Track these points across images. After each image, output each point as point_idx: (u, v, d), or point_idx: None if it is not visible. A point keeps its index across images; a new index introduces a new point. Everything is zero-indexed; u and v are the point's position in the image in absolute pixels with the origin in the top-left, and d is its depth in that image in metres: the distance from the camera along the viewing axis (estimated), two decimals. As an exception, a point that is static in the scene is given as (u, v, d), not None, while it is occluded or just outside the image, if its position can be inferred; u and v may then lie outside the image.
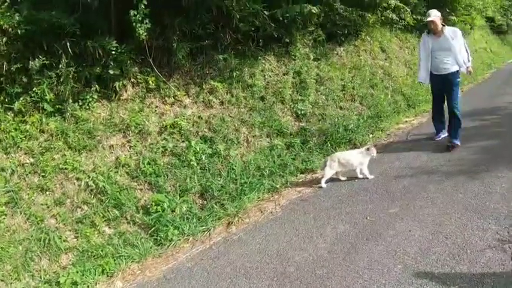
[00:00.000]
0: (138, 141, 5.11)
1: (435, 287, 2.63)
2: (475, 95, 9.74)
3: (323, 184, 4.67)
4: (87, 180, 4.53)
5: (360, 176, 4.73)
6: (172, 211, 4.57)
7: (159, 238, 4.16)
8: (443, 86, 5.49)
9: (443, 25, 5.31)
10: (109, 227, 4.40)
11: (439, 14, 5.25)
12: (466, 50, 5.36)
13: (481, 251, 2.94)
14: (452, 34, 5.28)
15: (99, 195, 4.50)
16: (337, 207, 4.09)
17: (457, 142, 5.36)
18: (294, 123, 6.29)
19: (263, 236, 3.85)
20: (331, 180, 4.77)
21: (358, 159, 4.60)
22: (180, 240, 4.15)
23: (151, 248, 4.07)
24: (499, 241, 3.02)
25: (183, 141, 5.31)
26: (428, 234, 3.27)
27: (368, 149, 4.60)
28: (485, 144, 5.42)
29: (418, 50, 6.19)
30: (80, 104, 4.97)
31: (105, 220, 4.36)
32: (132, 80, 5.51)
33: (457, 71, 5.34)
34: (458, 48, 5.22)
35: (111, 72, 5.07)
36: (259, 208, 4.52)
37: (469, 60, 5.37)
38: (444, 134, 5.88)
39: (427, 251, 3.05)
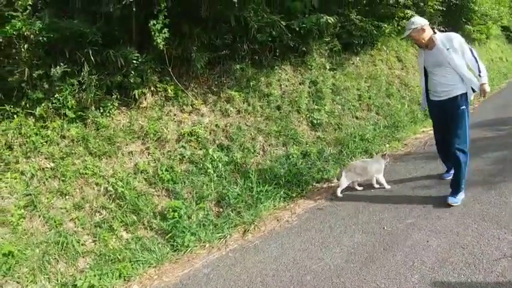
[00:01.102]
0: (156, 148, 5.23)
1: (452, 298, 2.62)
2: (490, 105, 9.60)
3: (339, 193, 4.68)
4: (107, 185, 4.67)
5: (376, 185, 4.72)
6: (189, 218, 4.65)
7: (175, 244, 4.22)
8: (444, 115, 4.11)
9: (435, 32, 3.99)
10: (127, 232, 4.50)
11: (422, 22, 3.93)
12: (475, 59, 3.83)
13: (496, 261, 2.96)
14: (447, 42, 3.85)
15: (118, 201, 4.60)
16: (354, 216, 4.10)
17: (455, 201, 3.95)
18: (310, 132, 6.32)
19: (279, 244, 3.88)
20: (347, 189, 4.78)
21: (374, 167, 4.61)
22: (196, 246, 4.20)
23: (167, 253, 4.14)
24: None
25: (200, 149, 5.40)
26: (445, 244, 3.26)
27: (383, 156, 4.61)
28: (501, 154, 5.35)
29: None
30: (101, 111, 5.14)
31: (123, 225, 4.46)
32: (152, 88, 5.66)
33: (462, 95, 3.91)
34: (459, 61, 3.83)
35: (131, 80, 5.24)
36: (275, 216, 4.56)
37: (480, 74, 3.79)
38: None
39: (444, 261, 3.05)
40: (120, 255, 4.04)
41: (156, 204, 4.75)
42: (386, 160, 4.63)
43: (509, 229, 3.34)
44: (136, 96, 5.41)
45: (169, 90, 5.68)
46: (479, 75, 3.81)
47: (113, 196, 4.62)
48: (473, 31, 13.77)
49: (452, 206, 3.92)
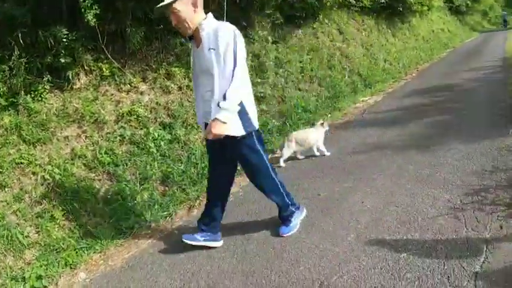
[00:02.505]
0: (94, 131, 4.93)
1: (387, 253, 2.69)
2: (429, 74, 10.13)
3: (282, 163, 4.72)
4: (44, 174, 4.35)
5: (317, 153, 4.82)
6: (134, 199, 4.50)
7: (120, 227, 4.06)
8: (221, 150, 2.92)
9: (207, 18, 2.68)
10: (69, 220, 4.26)
11: None
12: (234, 72, 2.51)
13: (432, 219, 3.00)
14: (213, 38, 2.56)
15: (57, 189, 4.33)
16: (295, 183, 4.16)
17: (288, 230, 3.24)
18: (254, 106, 6.29)
19: (224, 217, 3.84)
20: (289, 159, 4.83)
21: (314, 136, 4.69)
22: (142, 227, 4.06)
23: (112, 237, 3.97)
24: (451, 209, 3.09)
25: (141, 129, 5.18)
26: (380, 204, 3.38)
27: (322, 124, 4.69)
28: (438, 119, 5.61)
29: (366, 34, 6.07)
30: (32, 95, 4.72)
31: (64, 213, 4.21)
32: (86, 68, 5.29)
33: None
34: (219, 70, 2.56)
35: (62, 60, 4.84)
36: (220, 190, 4.51)
37: (226, 98, 2.47)
38: (202, 238, 3.27)
39: (379, 220, 3.14)
40: (63, 244, 3.81)
41: (98, 189, 4.53)
42: (325, 128, 4.71)
43: (444, 188, 3.44)
44: (70, 78, 5.04)
45: (104, 69, 5.32)
46: (226, 98, 2.46)
47: (52, 185, 4.32)
48: (414, 3, 13.90)
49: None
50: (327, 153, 4.78)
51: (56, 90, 5.01)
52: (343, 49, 8.92)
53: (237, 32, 2.67)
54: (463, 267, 2.38)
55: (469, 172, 3.67)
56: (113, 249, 3.83)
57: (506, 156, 3.85)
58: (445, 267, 2.42)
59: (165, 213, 4.23)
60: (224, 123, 2.53)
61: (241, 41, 2.67)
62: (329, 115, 6.46)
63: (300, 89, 7.05)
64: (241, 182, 4.59)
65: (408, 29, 14.76)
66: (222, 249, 3.27)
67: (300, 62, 7.46)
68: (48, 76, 4.80)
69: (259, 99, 6.35)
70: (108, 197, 4.35)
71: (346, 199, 3.58)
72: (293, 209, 3.24)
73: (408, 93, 7.83)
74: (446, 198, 3.27)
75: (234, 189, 4.42)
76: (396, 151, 4.54)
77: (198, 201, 4.33)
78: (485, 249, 2.53)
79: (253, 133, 2.87)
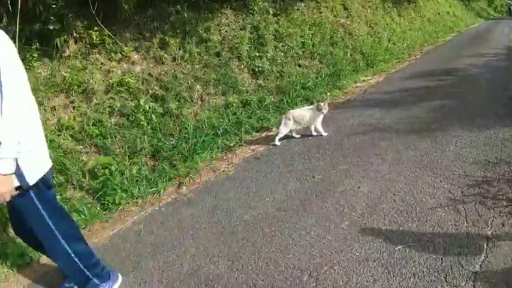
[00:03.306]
0: (82, 101, 4.66)
1: (382, 245, 2.50)
2: (433, 57, 9.74)
3: (277, 142, 4.48)
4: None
5: (314, 133, 4.58)
6: (122, 174, 4.28)
7: (106, 203, 3.87)
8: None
9: None
10: (56, 193, 4.07)
11: None
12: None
13: (431, 209, 2.80)
14: None
15: None
16: (290, 164, 3.94)
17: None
18: (251, 80, 5.99)
19: (213, 196, 3.66)
20: (285, 138, 4.60)
21: (312, 115, 4.42)
22: (128, 203, 3.88)
23: (98, 213, 3.78)
24: (451, 200, 2.88)
25: (131, 100, 4.90)
26: (376, 190, 3.17)
27: (320, 104, 4.40)
28: (440, 103, 5.33)
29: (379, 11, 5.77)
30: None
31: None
32: (75, 35, 4.96)
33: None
34: None
35: (50, 27, 4.54)
36: (211, 167, 4.30)
37: None
38: None
39: (375, 207, 2.95)
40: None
41: (85, 162, 4.30)
42: (323, 110, 4.43)
43: (445, 177, 3.22)
44: (58, 45, 4.72)
45: (95, 37, 4.98)
46: None
47: None
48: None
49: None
50: (324, 134, 4.53)
51: (44, 59, 4.70)
52: (346, 26, 8.51)
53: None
54: (462, 266, 2.19)
55: (471, 162, 3.44)
56: (98, 225, 3.64)
57: (511, 148, 3.62)
58: (443, 264, 2.23)
59: (153, 189, 4.03)
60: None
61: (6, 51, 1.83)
62: (328, 93, 6.16)
63: (299, 65, 6.73)
64: (232, 159, 4.37)
65: (414, 10, 14.20)
66: (208, 231, 3.07)
67: (301, 36, 7.08)
68: (37, 44, 4.52)
69: (256, 73, 6.05)
70: (95, 170, 4.12)
71: (342, 183, 3.37)
72: (97, 283, 2.38)
73: (411, 74, 7.51)
74: (446, 188, 3.06)
75: (223, 165, 4.24)
76: (396, 135, 4.30)
77: (188, 177, 4.12)
78: (485, 247, 2.34)
79: (32, 189, 2.01)
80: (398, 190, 3.12)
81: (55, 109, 4.50)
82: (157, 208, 3.71)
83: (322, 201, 3.14)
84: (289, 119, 4.42)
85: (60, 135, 4.36)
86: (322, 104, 4.41)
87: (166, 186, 4.08)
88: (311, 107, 4.54)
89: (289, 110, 4.77)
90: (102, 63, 5.04)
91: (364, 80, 7.08)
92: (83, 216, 3.69)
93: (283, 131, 4.45)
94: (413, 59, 9.49)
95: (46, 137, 4.11)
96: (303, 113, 4.46)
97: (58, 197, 3.94)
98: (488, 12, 31.61)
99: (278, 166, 3.95)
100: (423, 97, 5.58)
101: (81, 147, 4.43)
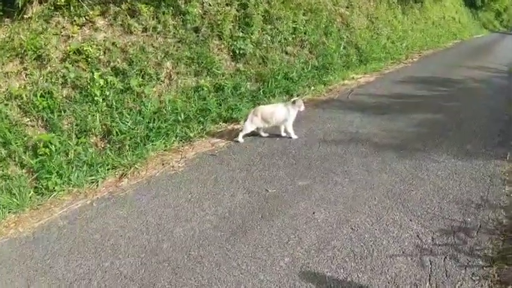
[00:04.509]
0: (35, 68, 3.99)
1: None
2: (431, 62, 8.90)
3: (240, 139, 3.84)
4: None
5: (283, 134, 3.93)
6: (66, 154, 3.67)
7: (40, 186, 3.30)
8: None
9: None
10: None
11: None
12: None
13: (391, 258, 2.19)
14: None
15: None
16: (246, 168, 3.31)
17: None
18: (230, 63, 5.26)
19: (151, 197, 3.05)
20: (251, 134, 3.95)
21: (283, 114, 3.76)
22: (64, 190, 3.35)
23: (31, 197, 3.23)
24: (417, 248, 2.26)
25: (90, 72, 4.19)
26: (333, 220, 2.56)
27: (294, 102, 3.73)
28: (429, 118, 4.57)
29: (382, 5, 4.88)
30: None
31: None
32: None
33: None
34: None
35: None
36: (162, 160, 3.67)
37: None
38: None
39: (325, 243, 2.34)
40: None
41: (30, 137, 3.68)
42: (299, 107, 3.76)
43: (417, 215, 2.57)
44: (20, 5, 3.98)
45: (59, -3, 4.22)
46: None
47: None
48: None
49: None
50: (294, 136, 3.88)
51: (6, 19, 4.04)
52: (345, 16, 7.66)
53: None
54: None
55: (451, 199, 2.78)
56: (28, 212, 3.13)
57: (499, 187, 2.92)
58: None
59: (92, 177, 3.43)
60: None
61: None
62: (312, 88, 5.47)
63: (286, 52, 5.97)
64: (187, 153, 3.72)
65: (419, 10, 13.21)
66: (130, 243, 2.47)
67: (294, 22, 6.27)
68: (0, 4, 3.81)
69: (236, 56, 5.31)
70: (38, 148, 3.54)
71: (296, 204, 2.75)
72: None
73: (404, 79, 6.74)
74: (415, 230, 2.43)
75: (175, 159, 3.58)
76: (373, 150, 3.62)
77: (132, 169, 3.50)
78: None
79: None
80: (358, 224, 2.50)
81: (8, 75, 3.90)
82: (89, 202, 3.15)
83: (267, 225, 2.53)
84: (256, 116, 3.75)
85: (8, 104, 3.74)
86: (298, 100, 3.75)
87: (108, 175, 3.49)
88: (284, 104, 3.85)
89: (257, 105, 4.10)
90: (63, 27, 4.31)
91: (353, 78, 6.35)
92: (15, 200, 3.14)
93: (248, 128, 3.79)
94: (410, 62, 8.67)
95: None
96: (274, 110, 3.78)
97: None
98: (494, 25, 30.31)
99: (233, 169, 3.32)
100: (412, 107, 4.88)
101: (28, 119, 3.86)
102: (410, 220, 2.52)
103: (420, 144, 3.71)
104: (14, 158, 3.55)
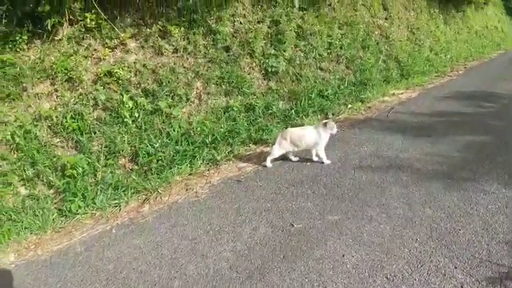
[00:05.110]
0: (66, 90, 4.02)
1: None
2: (476, 74, 8.04)
3: (268, 163, 3.54)
4: (6, 133, 3.59)
5: (315, 158, 3.57)
6: (94, 176, 3.62)
7: (64, 209, 3.22)
8: None
9: None
10: (25, 188, 3.54)
11: None
12: None
13: None
14: None
15: (17, 152, 3.60)
16: (271, 198, 2.99)
17: None
18: (261, 82, 5.01)
19: (171, 225, 2.85)
20: (281, 158, 3.63)
21: (313, 138, 3.41)
22: (87, 213, 3.26)
23: (54, 220, 3.17)
24: None
25: (121, 94, 4.14)
26: (365, 266, 2.16)
27: (325, 124, 3.36)
28: (475, 139, 3.98)
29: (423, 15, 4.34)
30: (10, 46, 3.85)
31: (21, 179, 3.48)
32: (70, 17, 4.26)
33: None
34: None
35: (44, 8, 3.89)
36: (186, 184, 3.47)
37: None
38: None
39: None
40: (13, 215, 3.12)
41: (58, 158, 3.68)
42: (331, 130, 3.39)
43: (463, 260, 2.10)
44: (49, 27, 4.06)
45: (89, 20, 4.24)
46: None
47: (13, 146, 3.59)
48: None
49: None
50: (326, 161, 3.51)
51: (37, 41, 4.10)
52: (384, 28, 7.15)
53: None
54: None
55: (501, 238, 2.28)
56: (49, 233, 3.05)
57: None
58: None
59: (116, 201, 3.30)
60: None
61: None
62: (349, 106, 5.05)
63: (321, 69, 5.62)
64: (212, 177, 3.48)
65: (462, 19, 12.22)
66: (141, 279, 2.25)
67: (329, 36, 5.92)
68: (30, 25, 3.90)
69: (268, 74, 5.06)
70: (67, 169, 3.49)
71: (324, 243, 2.39)
72: None
73: (449, 94, 6.08)
74: (460, 280, 1.99)
75: (200, 184, 3.34)
76: (415, 178, 3.15)
77: (155, 193, 3.33)
78: None
79: None
80: (395, 272, 2.08)
81: (38, 96, 3.94)
82: (109, 228, 3.02)
83: (288, 268, 2.19)
84: (285, 139, 3.44)
85: (38, 125, 3.78)
86: (330, 122, 3.38)
87: (131, 200, 3.34)
88: (314, 126, 3.50)
89: (289, 126, 3.78)
90: (95, 50, 4.31)
91: (393, 94, 5.82)
92: (37, 222, 3.10)
93: (276, 152, 3.49)
94: (455, 75, 7.89)
95: (24, 125, 3.62)
96: (303, 133, 3.44)
97: (26, 192, 3.40)
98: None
99: (257, 198, 3.02)
100: (458, 127, 4.29)
101: (58, 140, 3.85)
102: (456, 267, 2.08)
103: (468, 172, 3.18)
104: (42, 178, 3.55)
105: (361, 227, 2.49)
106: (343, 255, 2.24)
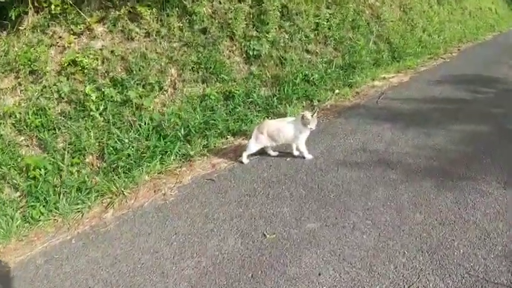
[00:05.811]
0: (30, 83, 3.66)
1: None
2: (472, 57, 7.56)
3: (244, 159, 3.17)
4: None
5: (296, 152, 3.20)
6: (59, 176, 3.27)
7: (28, 216, 2.89)
8: None
9: None
10: None
11: None
12: None
13: None
14: None
15: None
16: (244, 202, 2.64)
17: None
18: (242, 66, 4.58)
19: (133, 236, 2.52)
20: (259, 153, 3.26)
21: (291, 132, 3.01)
22: (50, 220, 2.93)
23: (17, 227, 2.81)
24: None
25: (87, 84, 3.73)
26: (343, 287, 1.82)
27: (303, 118, 2.93)
28: (472, 129, 3.58)
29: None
30: None
31: None
32: (36, 4, 3.83)
33: None
34: None
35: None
36: (155, 184, 3.12)
37: None
38: None
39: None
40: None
41: (22, 158, 3.36)
42: (308, 125, 2.93)
43: (456, 281, 1.77)
44: (13, 17, 3.64)
45: (53, 7, 3.79)
46: None
47: None
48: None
49: None
50: (308, 156, 3.14)
51: (2, 33, 3.72)
52: (375, 7, 6.63)
53: None
54: None
55: (499, 251, 1.94)
56: (14, 243, 2.72)
57: None
58: None
59: (79, 206, 2.94)
60: None
61: None
62: (336, 91, 4.64)
63: (307, 51, 5.17)
64: (184, 176, 3.10)
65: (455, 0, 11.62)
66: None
67: (316, 16, 5.42)
68: None
69: (250, 57, 4.62)
70: (30, 170, 3.16)
71: (299, 258, 2.05)
72: None
73: (443, 78, 5.62)
74: None
75: (169, 184, 2.97)
76: (404, 177, 2.76)
77: (120, 196, 2.96)
78: None
79: None
80: (381, 295, 1.75)
81: (2, 92, 3.60)
82: (69, 237, 2.68)
83: (256, 290, 1.86)
84: (261, 133, 3.05)
85: (1, 123, 3.43)
86: (308, 115, 2.94)
87: (94, 204, 2.99)
88: (293, 119, 3.10)
89: (264, 120, 3.39)
90: (59, 37, 3.89)
91: (384, 78, 5.39)
92: (1, 230, 2.78)
93: (253, 147, 3.11)
94: (449, 57, 7.39)
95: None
96: (280, 126, 3.04)
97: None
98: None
99: (229, 202, 2.67)
100: (453, 115, 3.90)
101: (22, 138, 3.51)
102: (447, 285, 1.75)
103: (464, 169, 2.80)
104: (8, 181, 3.20)
105: (341, 238, 2.15)
106: (319, 274, 1.91)
